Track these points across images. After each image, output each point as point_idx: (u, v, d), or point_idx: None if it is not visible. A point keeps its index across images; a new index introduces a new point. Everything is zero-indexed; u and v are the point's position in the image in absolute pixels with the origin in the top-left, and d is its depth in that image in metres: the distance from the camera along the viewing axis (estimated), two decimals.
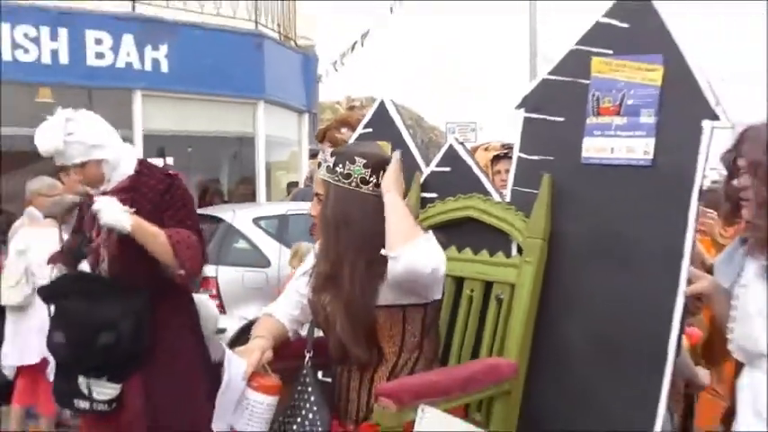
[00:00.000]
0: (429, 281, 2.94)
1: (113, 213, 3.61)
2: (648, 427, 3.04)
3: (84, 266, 3.94)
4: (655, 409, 3.03)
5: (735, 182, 2.80)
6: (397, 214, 2.97)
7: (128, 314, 3.72)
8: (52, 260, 4.12)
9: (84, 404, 3.74)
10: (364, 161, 3.09)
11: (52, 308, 3.86)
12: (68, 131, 3.72)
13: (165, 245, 3.68)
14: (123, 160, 3.90)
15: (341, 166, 3.07)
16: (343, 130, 3.94)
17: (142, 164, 4.00)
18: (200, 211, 11.21)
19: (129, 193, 3.82)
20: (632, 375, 3.11)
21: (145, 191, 3.86)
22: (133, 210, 3.68)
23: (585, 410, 3.21)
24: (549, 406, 3.26)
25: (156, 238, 3.68)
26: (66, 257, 4.05)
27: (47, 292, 3.87)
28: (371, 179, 3.06)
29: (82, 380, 3.72)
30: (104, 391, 3.72)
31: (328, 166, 3.11)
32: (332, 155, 3.18)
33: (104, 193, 3.81)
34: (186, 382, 3.86)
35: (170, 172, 4.11)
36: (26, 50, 12.06)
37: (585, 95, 3.29)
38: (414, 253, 2.85)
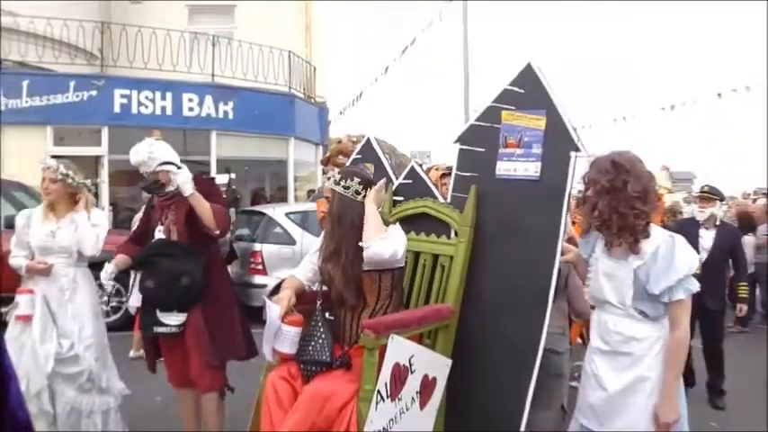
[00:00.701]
0: (387, 262, 3.04)
1: (187, 179, 3.77)
2: (536, 340, 3.11)
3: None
4: (540, 330, 3.11)
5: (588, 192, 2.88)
6: (370, 218, 3.06)
7: (196, 266, 3.79)
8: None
9: (161, 329, 3.79)
10: (359, 179, 3.17)
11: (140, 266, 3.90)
12: (150, 152, 3.89)
13: (209, 210, 3.78)
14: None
15: (344, 180, 3.15)
16: (340, 157, 3.97)
17: (196, 177, 3.99)
18: (252, 208, 11.43)
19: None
20: (526, 310, 3.17)
21: (198, 188, 3.87)
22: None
23: (496, 334, 3.25)
24: (472, 333, 3.29)
25: (203, 205, 3.78)
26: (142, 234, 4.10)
27: (143, 256, 3.88)
28: (362, 192, 3.17)
29: (160, 313, 3.77)
30: (176, 318, 3.77)
31: (335, 180, 3.19)
32: (338, 173, 3.26)
33: (170, 197, 3.92)
34: (227, 310, 3.94)
35: (212, 177, 4.17)
36: (146, 106, 12.47)
37: (498, 135, 3.35)
38: (377, 245, 2.97)
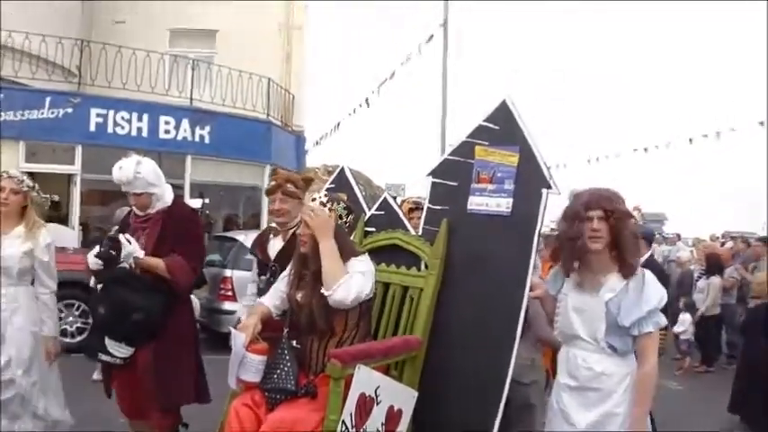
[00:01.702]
0: (350, 305, 3.01)
1: (130, 249, 3.67)
2: (504, 373, 3.11)
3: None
4: (508, 363, 3.12)
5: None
6: (328, 259, 3.01)
7: (153, 303, 3.66)
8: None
9: (105, 357, 3.66)
10: (345, 204, 3.20)
11: (99, 287, 3.76)
12: (138, 171, 3.73)
13: (164, 270, 3.71)
14: (165, 196, 3.87)
15: (330, 203, 3.17)
16: (289, 185, 3.88)
17: (176, 200, 3.96)
18: (224, 233, 11.35)
19: (163, 215, 3.83)
20: (494, 344, 3.17)
21: (175, 217, 3.84)
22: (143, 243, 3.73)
23: (463, 366, 3.26)
24: (440, 365, 3.29)
25: (156, 266, 3.71)
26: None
27: (104, 277, 3.73)
28: (345, 218, 3.18)
29: (108, 340, 3.64)
30: (123, 350, 3.65)
31: (322, 202, 3.19)
32: (324, 196, 3.28)
33: (147, 219, 3.84)
34: (180, 351, 3.82)
35: (195, 208, 4.10)
36: (122, 127, 12.43)
37: (471, 169, 3.38)
38: (339, 292, 2.94)
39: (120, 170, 3.76)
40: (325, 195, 3.26)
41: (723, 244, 14.73)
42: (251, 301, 4.06)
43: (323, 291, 2.97)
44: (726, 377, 7.80)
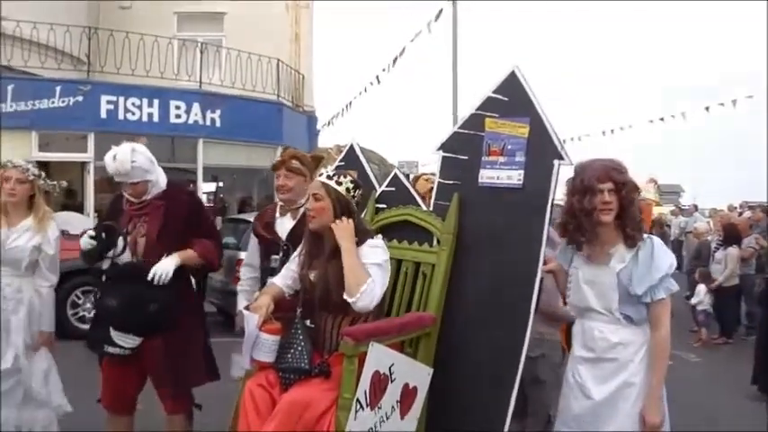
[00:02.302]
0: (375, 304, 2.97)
1: (167, 275, 3.56)
2: (519, 347, 3.08)
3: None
4: (523, 337, 3.09)
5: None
6: (348, 263, 2.94)
7: (166, 294, 3.56)
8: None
9: (113, 349, 3.54)
10: (351, 178, 3.16)
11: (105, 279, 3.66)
12: (133, 159, 3.58)
13: (197, 258, 3.70)
14: (160, 181, 3.77)
15: (337, 176, 3.11)
16: (294, 161, 3.82)
17: (171, 183, 3.88)
18: (238, 216, 11.36)
19: (163, 200, 3.72)
20: (508, 318, 3.15)
21: (178, 201, 3.77)
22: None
23: (478, 341, 3.23)
24: (455, 341, 3.25)
25: (192, 258, 3.68)
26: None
27: (116, 271, 3.63)
28: (353, 192, 3.12)
29: (114, 331, 3.53)
30: (131, 340, 3.54)
31: (328, 176, 3.13)
32: (333, 170, 3.22)
33: (143, 205, 3.71)
34: (190, 336, 3.77)
35: (190, 190, 4.00)
36: (133, 113, 12.43)
37: (481, 142, 3.33)
38: (363, 299, 2.89)
39: (114, 161, 3.60)
40: (332, 170, 3.21)
41: (741, 214, 14.56)
42: (248, 287, 4.02)
43: (345, 297, 2.92)
44: (745, 348, 7.75)
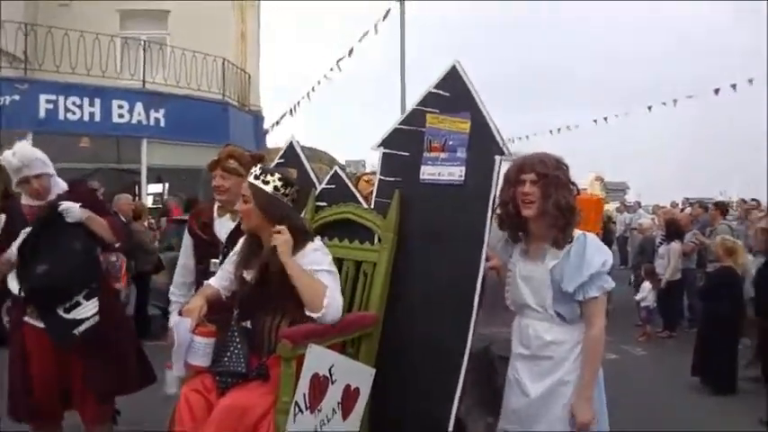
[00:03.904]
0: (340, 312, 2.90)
1: (76, 211, 3.52)
2: (463, 343, 3.03)
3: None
4: (466, 334, 3.03)
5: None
6: (301, 279, 2.84)
7: (90, 240, 3.59)
8: None
9: (83, 326, 3.49)
10: (279, 176, 3.06)
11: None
12: (33, 150, 3.58)
13: (106, 227, 3.61)
14: (59, 182, 3.72)
15: (263, 175, 3.02)
16: (231, 161, 3.71)
17: (73, 182, 3.83)
18: (182, 217, 11.11)
19: (69, 195, 3.65)
20: (451, 315, 3.09)
21: (84, 198, 3.69)
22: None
23: (421, 339, 3.17)
24: (397, 340, 3.19)
25: (100, 224, 3.60)
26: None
27: (27, 239, 3.54)
28: (282, 189, 3.04)
29: (62, 312, 3.47)
30: (88, 307, 3.51)
31: (254, 175, 3.03)
32: (258, 169, 3.09)
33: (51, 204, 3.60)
34: (120, 335, 3.71)
35: (91, 185, 3.93)
36: (74, 112, 12.05)
37: (423, 138, 3.28)
38: (330, 311, 2.82)
39: (14, 154, 3.53)
40: (259, 168, 3.10)
41: (683, 210, 14.92)
42: (180, 296, 3.87)
43: (309, 313, 2.83)
44: (688, 341, 7.91)
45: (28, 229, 3.53)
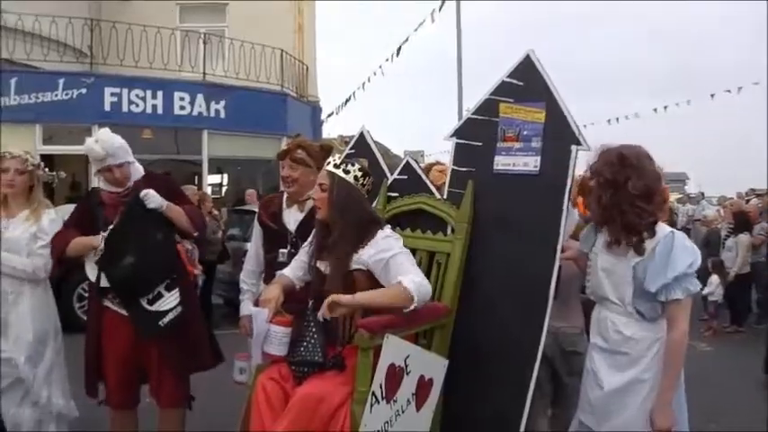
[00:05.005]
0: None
1: (156, 198, 3.54)
2: (537, 337, 3.01)
3: None
4: (541, 327, 3.00)
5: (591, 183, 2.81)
6: (377, 300, 2.82)
7: (163, 222, 3.61)
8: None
9: (168, 318, 3.54)
10: (359, 166, 3.07)
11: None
12: (115, 140, 3.58)
13: (185, 216, 3.62)
14: (138, 167, 3.75)
15: (344, 165, 3.03)
16: (299, 150, 3.70)
17: (149, 171, 3.84)
18: (243, 207, 11.29)
19: (145, 183, 3.65)
20: (525, 307, 3.07)
21: (160, 183, 3.71)
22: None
23: (494, 332, 3.15)
24: (470, 331, 3.18)
25: (179, 213, 3.61)
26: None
27: (118, 227, 3.59)
28: (361, 180, 3.03)
29: (145, 303, 3.53)
30: (171, 299, 3.57)
31: (335, 164, 3.05)
32: (338, 158, 3.10)
33: (127, 191, 3.65)
34: (191, 311, 3.71)
35: (166, 173, 4.02)
36: (137, 105, 12.35)
37: (496, 128, 3.25)
38: (419, 295, 2.79)
39: (97, 142, 3.55)
40: (339, 158, 3.12)
41: (748, 201, 14.45)
42: (251, 285, 3.92)
43: (407, 311, 2.81)
44: (757, 337, 7.68)
45: (115, 221, 3.59)
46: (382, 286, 2.93)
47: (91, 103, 12.11)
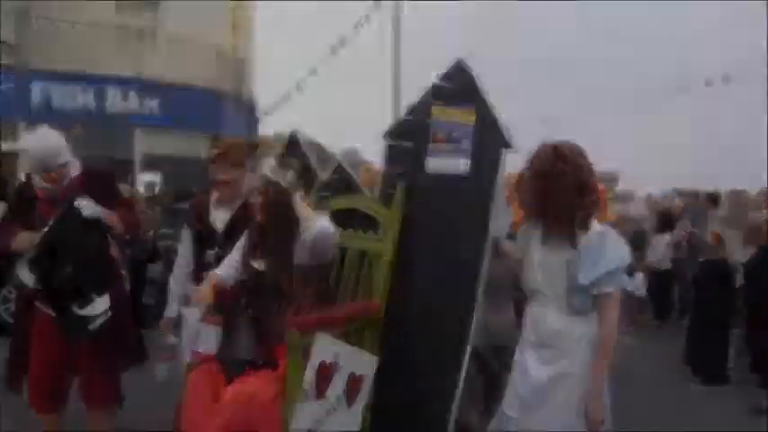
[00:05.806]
0: (330, 244, 3.03)
1: (91, 207, 3.47)
2: (464, 336, 3.05)
3: None
4: (468, 326, 3.06)
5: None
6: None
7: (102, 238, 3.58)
8: None
9: (97, 323, 3.46)
10: (293, 171, 3.09)
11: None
12: (57, 142, 3.49)
13: (119, 222, 3.57)
14: (74, 163, 3.66)
15: (279, 168, 3.06)
16: (230, 153, 3.57)
17: (86, 165, 3.76)
18: (175, 206, 11.06)
19: (83, 178, 3.61)
20: (453, 307, 3.12)
21: (93, 182, 3.64)
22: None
23: (423, 330, 3.20)
24: (400, 330, 3.22)
25: (114, 220, 3.55)
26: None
27: (54, 235, 3.47)
28: (295, 182, 3.06)
29: (75, 308, 3.45)
30: (100, 303, 3.48)
31: (272, 169, 3.07)
32: (274, 162, 3.13)
33: (67, 188, 3.55)
34: (121, 306, 3.65)
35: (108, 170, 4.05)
36: (68, 101, 12.16)
37: (427, 130, 3.29)
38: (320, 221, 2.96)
39: (39, 141, 3.45)
40: (274, 162, 3.12)
41: (673, 200, 14.95)
42: (179, 286, 3.82)
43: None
44: (678, 330, 7.97)
45: (51, 223, 3.48)
46: (315, 285, 2.97)
47: (18, 99, 11.70)
